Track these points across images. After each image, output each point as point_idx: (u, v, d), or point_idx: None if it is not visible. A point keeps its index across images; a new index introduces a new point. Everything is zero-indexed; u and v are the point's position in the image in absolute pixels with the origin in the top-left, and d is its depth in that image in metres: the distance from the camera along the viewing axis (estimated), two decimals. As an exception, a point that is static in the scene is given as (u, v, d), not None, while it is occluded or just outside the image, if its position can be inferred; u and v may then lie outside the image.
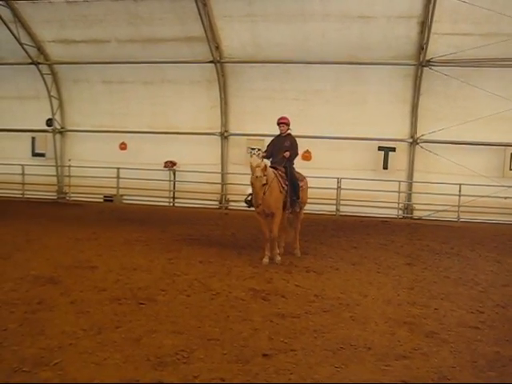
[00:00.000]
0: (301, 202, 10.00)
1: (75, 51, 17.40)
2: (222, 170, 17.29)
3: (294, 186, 9.68)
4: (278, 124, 9.99)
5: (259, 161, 9.06)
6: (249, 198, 9.71)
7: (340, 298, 7.12)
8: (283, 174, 9.56)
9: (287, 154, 9.56)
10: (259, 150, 10.77)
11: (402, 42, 15.01)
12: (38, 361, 4.78)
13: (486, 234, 13.61)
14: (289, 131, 10.02)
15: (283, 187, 9.41)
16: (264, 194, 8.87)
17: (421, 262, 9.78)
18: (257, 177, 8.75)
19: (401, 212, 16.53)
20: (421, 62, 15.02)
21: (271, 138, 16.60)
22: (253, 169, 8.84)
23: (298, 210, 10.05)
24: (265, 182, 8.85)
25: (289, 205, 9.60)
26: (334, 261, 9.64)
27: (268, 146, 10.05)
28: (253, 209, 9.40)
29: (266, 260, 9.24)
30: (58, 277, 7.79)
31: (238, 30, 15.60)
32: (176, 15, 15.49)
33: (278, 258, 9.35)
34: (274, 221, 9.30)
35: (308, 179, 15.35)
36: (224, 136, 17.15)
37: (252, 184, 8.87)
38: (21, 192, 19.02)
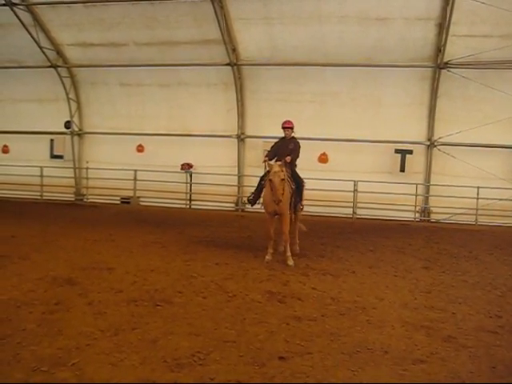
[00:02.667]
0: (302, 204, 10.23)
1: (93, 54, 17.54)
2: (239, 172, 17.31)
3: (298, 187, 9.89)
4: (283, 128, 10.22)
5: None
6: (251, 197, 9.96)
7: (356, 302, 7.09)
8: (290, 176, 9.71)
9: (288, 158, 9.64)
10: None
11: (420, 44, 14.89)
12: (56, 361, 4.83)
13: (504, 237, 13.45)
14: (293, 134, 10.29)
15: (292, 188, 9.60)
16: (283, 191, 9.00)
17: (438, 266, 9.70)
18: (276, 172, 8.91)
19: (418, 215, 16.41)
20: (438, 64, 14.91)
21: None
22: (271, 166, 9.12)
23: (300, 211, 10.29)
24: (283, 177, 8.99)
25: (293, 205, 9.77)
26: (350, 264, 9.59)
27: (272, 147, 10.17)
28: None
29: (268, 257, 9.41)
30: (75, 278, 7.85)
31: (255, 33, 15.60)
32: (193, 18, 15.54)
33: (291, 262, 9.32)
34: (285, 221, 9.51)
35: (324, 182, 15.51)
36: (240, 138, 17.17)
37: (271, 180, 8.99)
38: (39, 194, 19.18)
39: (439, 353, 5.32)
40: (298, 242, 10.50)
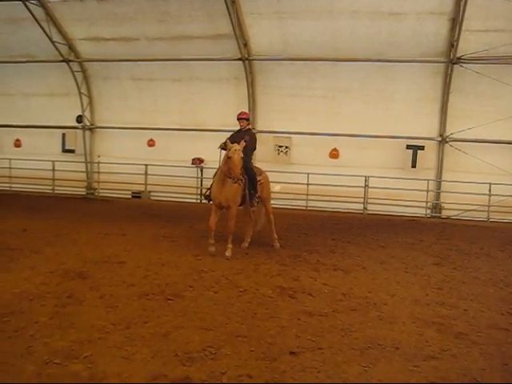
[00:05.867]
0: (259, 196, 10.04)
1: (105, 49, 17.59)
2: (249, 167, 17.30)
3: (251, 179, 9.72)
4: (238, 119, 10.12)
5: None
6: (207, 193, 9.86)
7: (367, 297, 7.08)
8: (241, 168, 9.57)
9: (243, 143, 9.42)
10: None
11: (432, 40, 14.80)
12: (69, 354, 4.87)
13: (516, 234, 13.36)
14: (249, 126, 10.20)
15: (242, 180, 9.33)
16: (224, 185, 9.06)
17: (449, 262, 9.65)
18: (236, 150, 8.88)
19: (429, 211, 16.36)
20: (451, 59, 14.81)
21: (299, 136, 16.71)
22: (230, 145, 9.02)
23: (256, 204, 10.11)
24: (242, 155, 8.96)
25: (248, 198, 9.71)
26: (361, 259, 9.57)
27: (227, 139, 9.72)
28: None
29: (212, 249, 9.37)
30: (87, 271, 7.89)
31: (267, 27, 15.56)
32: (205, 12, 15.53)
33: (229, 253, 9.31)
34: (231, 215, 9.49)
35: (335, 177, 15.47)
36: (251, 133, 17.16)
37: (230, 158, 8.89)
38: (51, 188, 19.31)
39: (450, 349, 5.30)
40: (276, 237, 10.44)
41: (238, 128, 10.23)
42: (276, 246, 10.33)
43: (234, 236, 9.66)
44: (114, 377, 4.47)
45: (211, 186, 9.80)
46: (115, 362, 4.76)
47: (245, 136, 9.80)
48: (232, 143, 9.28)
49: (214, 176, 9.80)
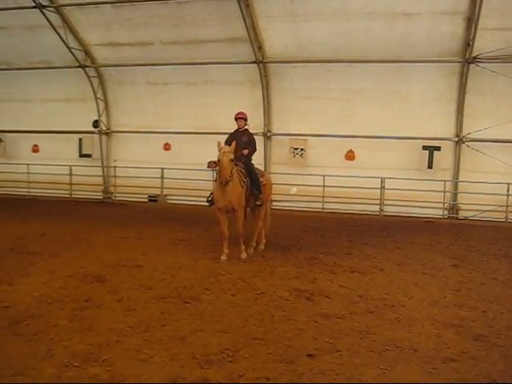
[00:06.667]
0: (262, 197, 9.87)
1: (120, 54, 17.73)
2: (265, 170, 17.25)
3: (253, 180, 9.63)
4: (236, 119, 9.97)
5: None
6: (210, 198, 9.68)
7: (385, 299, 7.05)
8: (243, 170, 9.51)
9: (246, 151, 9.53)
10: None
11: (447, 39, 14.70)
12: (88, 357, 4.91)
13: (535, 234, 13.21)
14: (246, 127, 10.02)
15: (244, 181, 9.33)
16: (228, 182, 8.76)
17: (467, 264, 9.57)
18: (224, 152, 8.70)
19: (446, 212, 16.22)
20: (467, 58, 14.69)
21: (314, 138, 16.68)
22: (219, 147, 8.85)
23: (259, 205, 9.95)
24: (232, 157, 8.76)
25: (252, 199, 9.65)
26: (378, 261, 9.53)
27: (225, 141, 9.60)
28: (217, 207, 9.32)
29: (224, 257, 9.15)
30: (105, 275, 7.95)
31: (281, 30, 15.59)
32: (219, 16, 15.61)
33: (244, 255, 9.38)
34: (238, 218, 9.29)
35: (351, 179, 15.42)
36: (267, 136, 17.19)
37: (219, 161, 8.74)
38: (68, 192, 19.48)
39: (470, 352, 5.26)
40: (264, 241, 10.35)
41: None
42: (260, 248, 10.19)
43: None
44: (132, 379, 4.50)
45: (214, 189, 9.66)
46: (134, 364, 4.79)
47: (242, 137, 9.77)
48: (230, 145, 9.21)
49: (216, 179, 9.73)
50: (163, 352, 5.06)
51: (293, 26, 15.33)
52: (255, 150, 10.00)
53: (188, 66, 17.34)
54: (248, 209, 9.97)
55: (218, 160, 8.77)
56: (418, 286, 7.84)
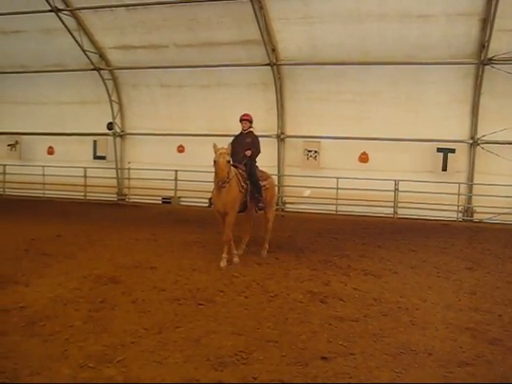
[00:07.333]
0: (264, 201, 9.67)
1: (135, 56, 17.84)
2: (279, 172, 17.29)
3: (254, 183, 9.47)
4: (241, 121, 9.85)
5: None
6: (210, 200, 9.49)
7: (399, 302, 7.03)
8: (243, 173, 9.36)
9: (249, 152, 9.43)
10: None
11: (462, 41, 14.58)
12: (102, 358, 4.96)
13: (551, 237, 13.07)
14: (251, 129, 9.88)
15: (242, 186, 9.16)
16: (225, 185, 8.68)
17: (482, 267, 9.50)
18: (221, 153, 8.59)
19: (460, 215, 16.08)
20: (482, 60, 14.56)
21: (328, 140, 16.64)
22: (216, 148, 8.71)
23: (261, 209, 9.78)
24: (229, 159, 8.67)
25: (253, 203, 9.49)
26: (392, 264, 9.49)
27: (230, 144, 9.32)
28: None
29: (222, 263, 8.95)
30: (119, 276, 8.01)
31: (294, 32, 15.56)
32: (233, 19, 15.62)
33: (236, 260, 9.23)
34: (227, 222, 9.01)
35: (365, 181, 15.35)
36: (280, 138, 17.17)
37: (215, 162, 8.62)
38: (83, 194, 19.60)
39: (485, 355, 5.22)
40: (267, 246, 10.09)
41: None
42: (263, 254, 9.94)
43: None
44: (147, 381, 4.54)
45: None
46: (148, 366, 4.82)
47: (247, 138, 9.69)
48: (233, 148, 9.12)
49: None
50: (177, 354, 5.08)
51: (306, 28, 15.30)
52: (259, 151, 9.85)
53: (202, 68, 17.40)
54: (260, 211, 9.85)
55: (215, 161, 8.66)
56: (433, 289, 7.80)
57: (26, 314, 6.18)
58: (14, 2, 16.72)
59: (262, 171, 10.05)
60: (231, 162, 8.91)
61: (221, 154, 8.62)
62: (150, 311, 6.37)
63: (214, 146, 8.79)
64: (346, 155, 16.55)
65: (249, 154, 9.48)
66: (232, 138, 9.85)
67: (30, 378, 4.56)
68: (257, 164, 9.91)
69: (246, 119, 9.84)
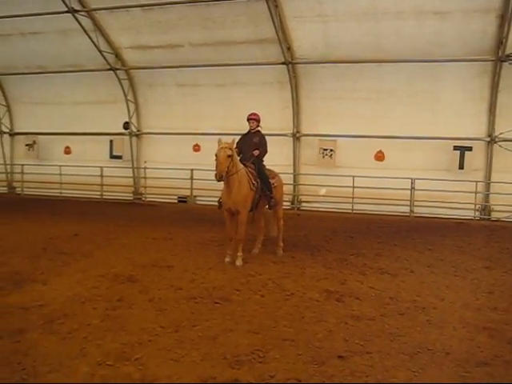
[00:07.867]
0: (274, 197, 9.61)
1: (150, 56, 17.93)
2: (294, 170, 17.28)
3: (264, 181, 9.42)
4: (248, 120, 9.78)
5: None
6: (220, 200, 9.37)
7: (416, 301, 6.99)
8: (253, 171, 9.32)
9: (256, 152, 9.40)
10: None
11: (479, 37, 14.42)
12: (120, 355, 5.00)
13: None
14: (258, 128, 9.81)
15: (253, 183, 9.12)
16: (232, 186, 8.76)
17: (500, 266, 9.41)
18: (222, 147, 8.56)
19: (477, 213, 15.94)
20: (499, 57, 14.41)
21: (344, 139, 16.58)
22: (219, 142, 8.71)
23: (273, 206, 9.70)
24: (230, 153, 8.60)
25: (263, 201, 9.46)
26: (408, 263, 9.44)
27: (237, 143, 9.41)
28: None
29: (227, 259, 9.02)
30: (136, 275, 8.06)
31: (310, 31, 15.54)
32: (248, 17, 15.63)
33: (239, 262, 8.93)
34: (240, 221, 8.99)
35: (381, 180, 15.27)
36: (296, 137, 17.15)
37: (216, 156, 8.59)
38: (99, 193, 19.77)
39: (504, 355, 5.18)
40: (281, 245, 10.05)
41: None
42: (279, 253, 9.92)
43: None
44: (164, 379, 4.57)
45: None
46: (165, 364, 4.85)
47: (254, 138, 9.65)
48: (240, 147, 9.21)
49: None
50: (194, 352, 5.11)
51: (322, 26, 15.27)
52: (266, 151, 9.78)
53: (217, 67, 17.42)
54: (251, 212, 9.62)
55: (216, 155, 8.65)
56: (450, 289, 7.75)
57: (44, 312, 6.24)
58: (31, 3, 16.88)
59: (269, 169, 10.01)
60: (235, 157, 8.88)
61: (222, 148, 8.60)
62: (166, 309, 6.41)
63: (219, 141, 8.79)
64: (362, 154, 16.48)
65: (256, 154, 9.46)
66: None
67: (49, 374, 4.61)
68: (264, 163, 9.90)
69: (253, 118, 9.78)
